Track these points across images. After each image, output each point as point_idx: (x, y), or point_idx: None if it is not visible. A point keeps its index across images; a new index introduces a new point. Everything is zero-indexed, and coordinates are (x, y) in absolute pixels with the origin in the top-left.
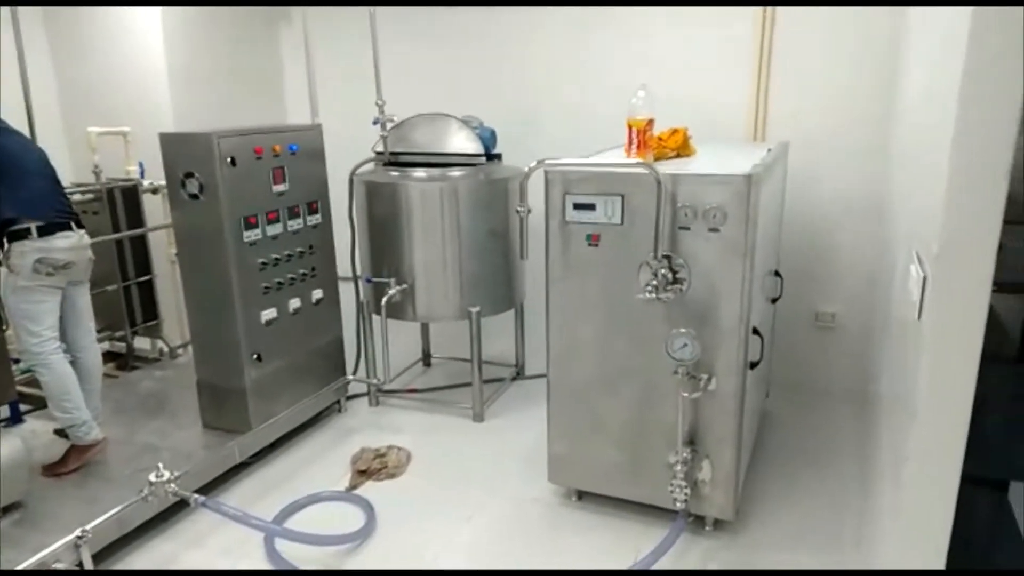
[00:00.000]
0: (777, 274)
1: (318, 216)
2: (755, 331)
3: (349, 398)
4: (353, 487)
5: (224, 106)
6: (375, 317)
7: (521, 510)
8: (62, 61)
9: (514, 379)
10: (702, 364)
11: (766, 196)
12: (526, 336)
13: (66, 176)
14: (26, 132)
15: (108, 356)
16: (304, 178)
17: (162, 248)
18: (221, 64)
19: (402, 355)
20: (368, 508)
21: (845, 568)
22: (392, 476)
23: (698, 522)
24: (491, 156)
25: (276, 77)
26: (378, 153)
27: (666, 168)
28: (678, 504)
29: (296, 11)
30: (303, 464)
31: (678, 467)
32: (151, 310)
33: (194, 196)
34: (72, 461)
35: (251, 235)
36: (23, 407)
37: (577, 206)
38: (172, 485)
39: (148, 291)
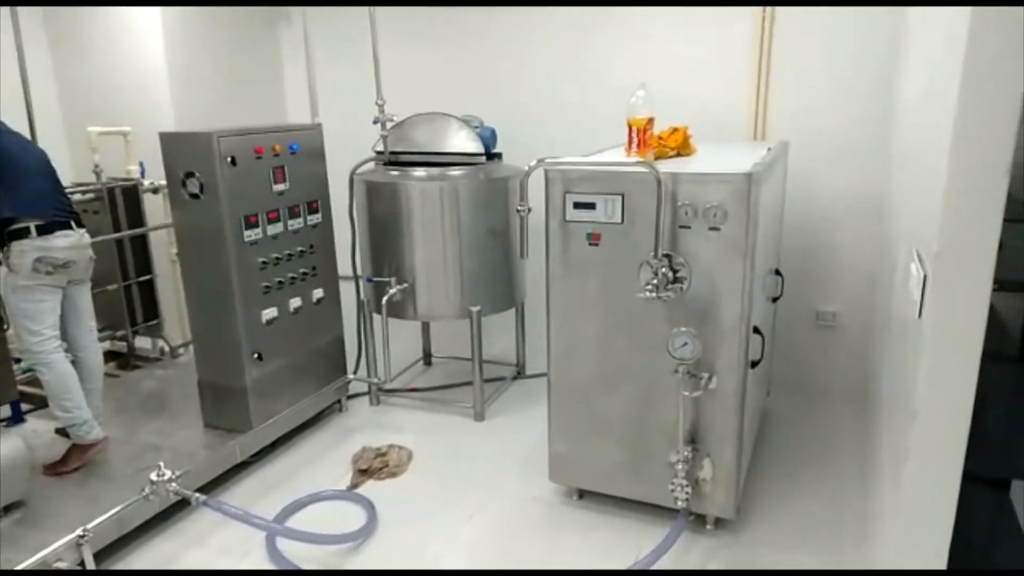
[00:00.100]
0: (778, 273)
1: (318, 215)
2: (756, 330)
3: (350, 397)
4: (354, 486)
5: (224, 106)
6: (376, 316)
7: (522, 509)
8: (62, 61)
9: (515, 378)
10: (703, 363)
11: (766, 195)
12: (527, 335)
13: (67, 176)
14: (27, 132)
15: (109, 355)
16: (304, 177)
17: (163, 247)
18: (221, 64)
19: (403, 354)
20: (369, 507)
21: (845, 568)
22: (393, 475)
23: (699, 521)
24: (491, 155)
25: (276, 77)
26: (378, 152)
27: (666, 167)
28: (679, 503)
29: (296, 11)
30: (304, 463)
31: (679, 466)
32: (152, 309)
33: (194, 195)
34: (73, 460)
35: (252, 234)
36: (24, 406)
37: (577, 205)
38: (173, 484)
39: (149, 290)
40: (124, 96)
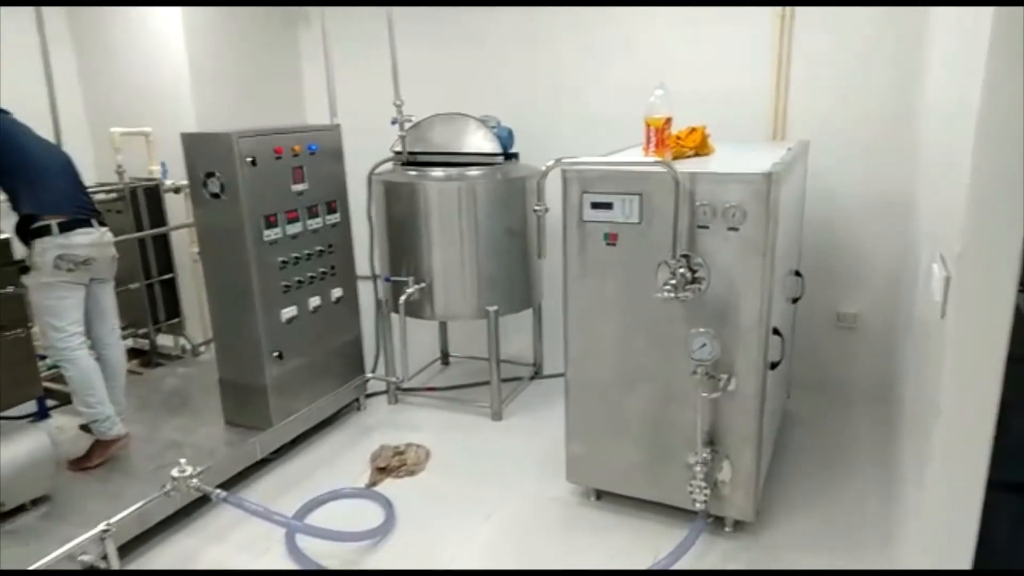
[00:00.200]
0: (798, 274)
1: (337, 215)
2: (775, 331)
3: (368, 396)
4: (372, 484)
5: (244, 106)
6: (394, 316)
7: (539, 509)
8: (87, 62)
9: (532, 378)
10: (721, 364)
11: (786, 195)
12: (544, 335)
13: (90, 176)
14: (52, 133)
15: (132, 353)
16: (323, 178)
17: (184, 247)
18: (241, 65)
19: (420, 354)
20: (387, 505)
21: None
22: (411, 474)
23: (718, 523)
24: (509, 155)
25: (295, 77)
26: (396, 153)
27: (684, 167)
28: (697, 505)
29: (315, 11)
30: (323, 461)
31: (697, 468)
32: (174, 308)
33: (215, 195)
34: (96, 456)
35: (271, 234)
36: (49, 402)
37: (595, 205)
38: (194, 480)
39: (171, 289)
40: (146, 97)
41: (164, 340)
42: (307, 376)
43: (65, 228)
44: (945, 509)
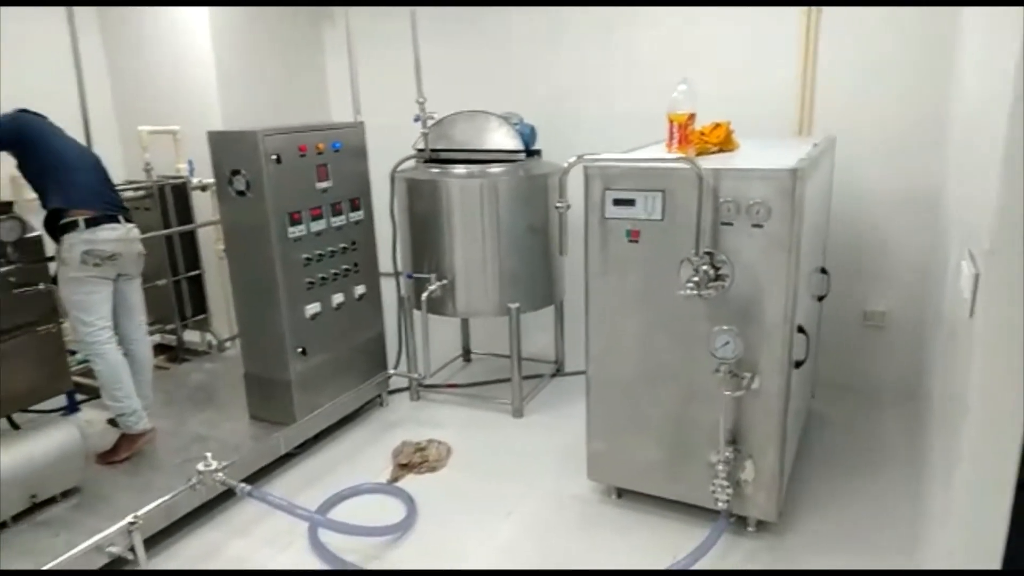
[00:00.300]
0: (824, 271)
1: (360, 212)
2: (800, 329)
3: (391, 392)
4: (394, 480)
5: (270, 104)
6: (416, 312)
7: (560, 506)
8: (116, 62)
9: (553, 375)
10: (745, 362)
11: (812, 191)
12: (566, 332)
13: (119, 174)
14: (82, 130)
15: (159, 349)
16: (347, 175)
17: (211, 244)
18: (267, 63)
19: (442, 350)
20: (409, 501)
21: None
22: (432, 470)
23: (740, 523)
24: (531, 152)
25: (320, 75)
26: (419, 150)
27: (708, 163)
28: (720, 504)
29: (339, 10)
30: (345, 456)
31: (720, 467)
32: (200, 304)
33: (241, 193)
34: (123, 450)
35: (295, 231)
36: (79, 396)
37: (617, 202)
38: (220, 474)
39: (197, 285)
40: (174, 96)
41: (191, 336)
42: (330, 372)
43: (92, 224)
44: (974, 510)
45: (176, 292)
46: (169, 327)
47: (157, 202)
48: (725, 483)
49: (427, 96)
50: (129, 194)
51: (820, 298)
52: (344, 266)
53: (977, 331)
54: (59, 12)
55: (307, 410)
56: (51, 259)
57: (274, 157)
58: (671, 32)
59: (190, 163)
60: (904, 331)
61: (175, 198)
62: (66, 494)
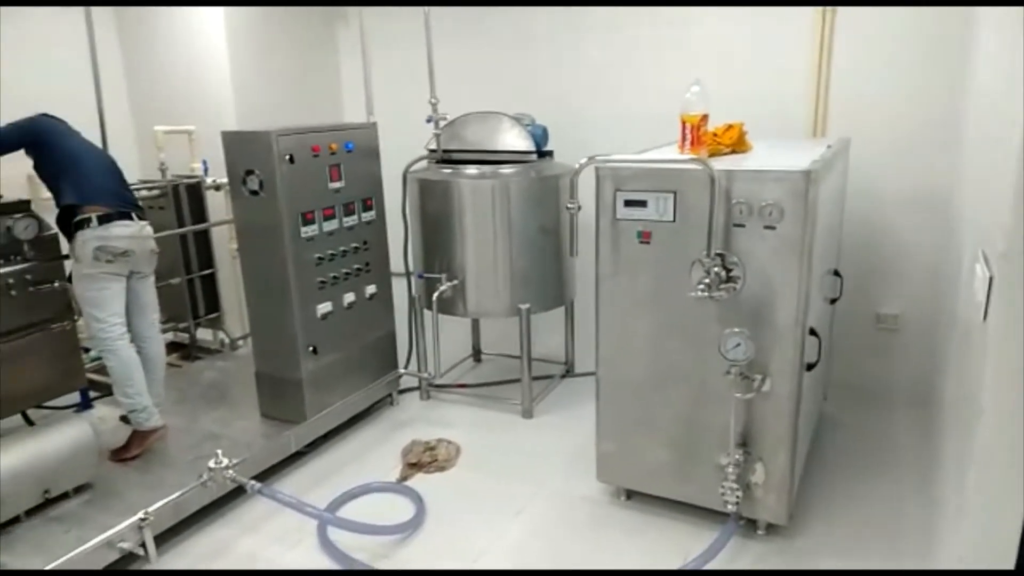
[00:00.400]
0: (837, 274)
1: (372, 213)
2: (812, 332)
3: (401, 392)
4: (403, 479)
5: (283, 105)
6: (427, 312)
7: (569, 507)
8: (132, 63)
9: (564, 376)
10: (756, 365)
11: (825, 193)
12: (576, 333)
13: (135, 173)
14: (98, 130)
15: (172, 347)
16: (359, 175)
17: (224, 243)
18: (281, 64)
19: (453, 350)
20: (418, 500)
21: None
22: (442, 469)
23: (750, 526)
24: (543, 153)
25: (333, 76)
26: (431, 151)
27: (720, 164)
28: (729, 507)
29: (353, 11)
30: (355, 455)
31: (730, 469)
32: (213, 302)
33: (254, 192)
34: (134, 447)
35: (308, 231)
36: (92, 393)
37: (628, 203)
38: (230, 472)
39: (211, 284)
40: (189, 96)
41: (204, 334)
42: (341, 371)
43: (105, 220)
44: (987, 512)
45: (189, 290)
46: (182, 325)
47: (171, 201)
48: (735, 485)
49: (439, 97)
50: (144, 193)
51: (833, 301)
52: (356, 266)
53: (991, 334)
54: (77, 13)
55: (318, 409)
56: (66, 257)
57: (287, 157)
58: (684, 33)
59: (204, 163)
60: (917, 334)
61: (189, 197)
62: (78, 490)
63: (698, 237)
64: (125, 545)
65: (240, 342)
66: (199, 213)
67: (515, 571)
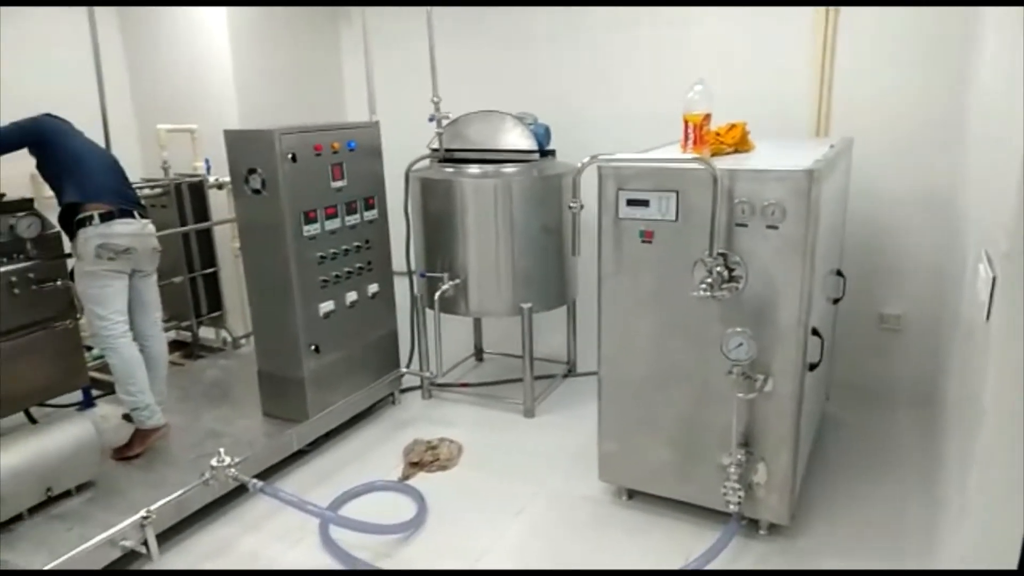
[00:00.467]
0: (839, 274)
1: (374, 211)
2: (815, 332)
3: (403, 391)
4: (405, 478)
5: (286, 103)
6: (429, 312)
7: (570, 507)
8: (135, 62)
9: (566, 376)
10: (758, 364)
11: (828, 192)
12: (578, 333)
13: (137, 172)
14: (101, 129)
15: (175, 345)
16: (361, 174)
17: (227, 241)
18: (284, 62)
19: (455, 350)
20: (420, 499)
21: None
22: (443, 468)
23: (752, 526)
24: (545, 152)
25: (336, 75)
26: (433, 150)
27: (723, 163)
28: (731, 507)
29: (355, 11)
30: (357, 454)
31: (732, 469)
32: (216, 301)
33: (257, 191)
34: (136, 445)
35: (310, 229)
36: (95, 392)
37: (630, 202)
38: (232, 470)
39: (213, 283)
40: (192, 95)
41: (206, 332)
42: (343, 370)
43: (106, 218)
44: (989, 513)
45: (192, 289)
46: (185, 324)
47: (174, 200)
48: (737, 485)
49: (442, 96)
50: (147, 192)
51: (836, 301)
52: (358, 264)
53: (994, 334)
54: (80, 13)
55: (320, 407)
56: (69, 255)
57: (290, 156)
58: (686, 33)
59: (207, 161)
60: (920, 334)
61: (192, 196)
62: (81, 488)
63: (700, 237)
64: (127, 543)
65: (242, 341)
66: (202, 212)
67: (517, 571)
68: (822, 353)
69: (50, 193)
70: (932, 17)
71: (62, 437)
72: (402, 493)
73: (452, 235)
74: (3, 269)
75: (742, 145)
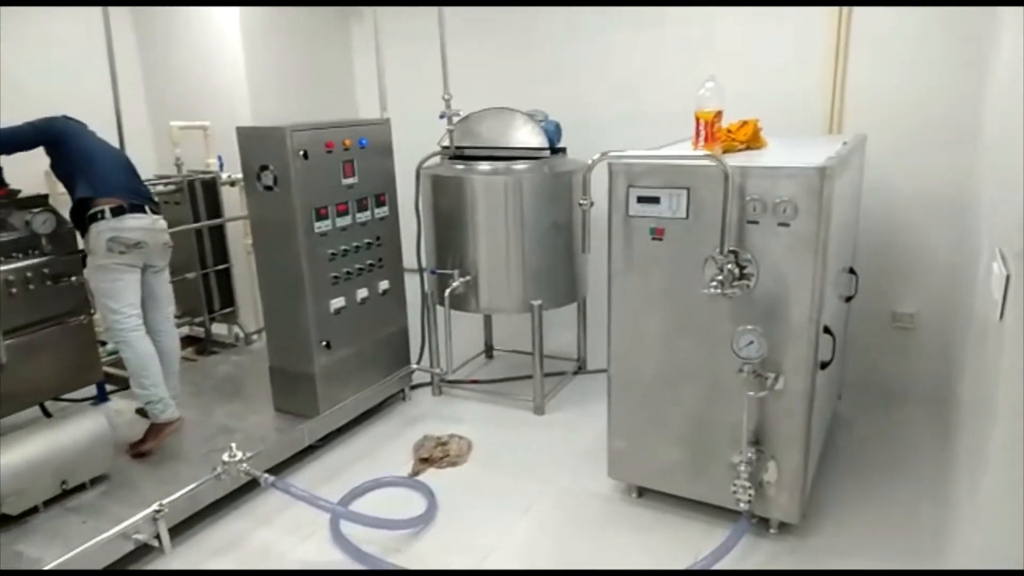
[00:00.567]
0: (852, 272)
1: (385, 208)
2: (826, 330)
3: (413, 387)
4: (415, 473)
5: (298, 101)
6: (439, 308)
7: (579, 504)
8: (149, 60)
9: (576, 373)
10: (769, 363)
11: (840, 190)
12: (588, 330)
13: (150, 169)
14: (115, 126)
15: (187, 341)
16: (373, 171)
17: (239, 238)
18: (296, 60)
19: (465, 346)
20: (429, 495)
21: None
22: (453, 464)
23: (762, 524)
24: (556, 150)
25: (347, 72)
26: (444, 147)
27: (734, 160)
28: (741, 505)
29: (367, 9)
30: (368, 450)
31: (742, 467)
32: (228, 297)
33: (269, 188)
34: (150, 439)
35: (322, 226)
36: (109, 387)
37: (641, 199)
38: (244, 465)
39: (226, 279)
40: (205, 92)
41: (219, 328)
42: (354, 366)
43: (117, 213)
44: (1002, 512)
45: (205, 285)
46: (197, 320)
47: (187, 196)
48: (747, 484)
49: (453, 93)
50: (160, 188)
51: (848, 299)
52: (369, 261)
53: (1008, 333)
54: (95, 13)
55: (331, 403)
56: (83, 252)
57: (301, 153)
58: (699, 30)
59: (220, 158)
60: (934, 333)
61: (205, 193)
62: (95, 481)
63: (711, 234)
64: (140, 536)
65: (254, 337)
66: (214, 208)
67: (523, 571)
68: (834, 351)
69: (64, 190)
70: (947, 15)
71: (76, 431)
72: (412, 489)
73: (462, 232)
74: (19, 264)
75: (754, 142)
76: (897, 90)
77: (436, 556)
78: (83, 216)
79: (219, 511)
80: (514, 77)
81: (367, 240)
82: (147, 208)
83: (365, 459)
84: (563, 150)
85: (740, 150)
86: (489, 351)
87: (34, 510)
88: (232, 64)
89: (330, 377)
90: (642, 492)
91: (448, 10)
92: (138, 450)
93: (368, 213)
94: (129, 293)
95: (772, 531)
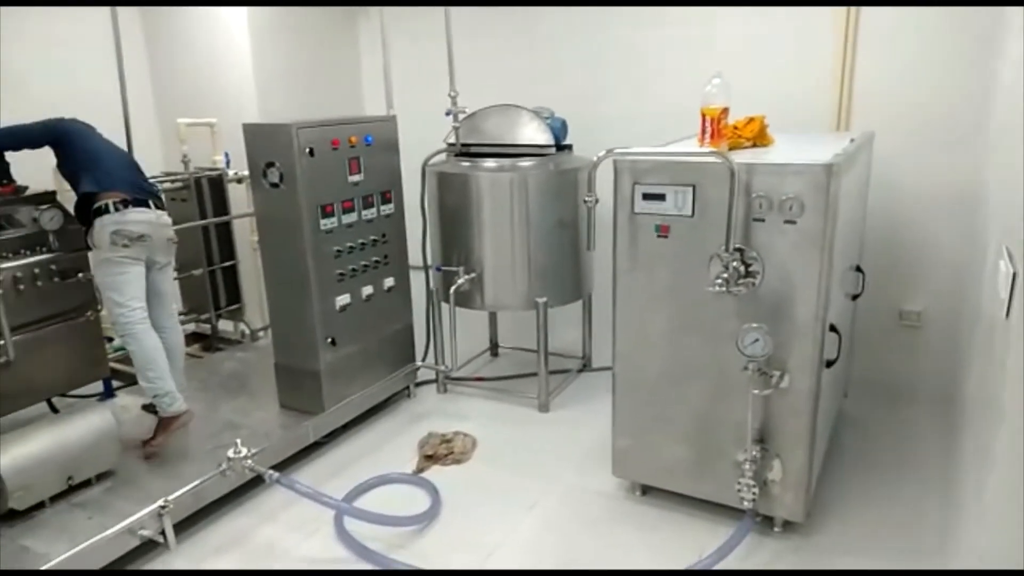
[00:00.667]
0: (859, 270)
1: (391, 206)
2: (832, 328)
3: (418, 384)
4: (420, 470)
5: (304, 98)
6: (444, 306)
7: (583, 502)
8: (156, 57)
9: (580, 371)
10: (775, 361)
11: (847, 187)
12: (593, 328)
13: (157, 166)
14: (122, 124)
15: (193, 337)
16: (378, 168)
17: (245, 235)
18: (303, 57)
19: (470, 344)
20: (433, 491)
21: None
22: (458, 462)
23: (766, 523)
24: (562, 147)
25: (354, 70)
26: (450, 144)
27: (741, 157)
28: (745, 503)
29: (374, 8)
30: (372, 446)
31: (747, 465)
32: (234, 294)
33: (275, 185)
34: (159, 434)
35: (327, 223)
36: (115, 383)
37: (646, 196)
38: (249, 461)
39: (232, 276)
40: (212, 89)
41: (225, 325)
42: (359, 363)
43: (121, 207)
44: (1007, 512)
45: (211, 282)
46: (203, 316)
47: (194, 193)
48: (752, 482)
49: (459, 90)
50: (167, 185)
51: (855, 297)
52: (374, 258)
53: (1014, 331)
54: (104, 12)
55: (336, 400)
56: (89, 249)
57: (307, 150)
58: (705, 29)
59: (226, 155)
60: (940, 331)
61: (211, 190)
62: (101, 477)
63: (717, 231)
64: (145, 532)
65: (260, 333)
66: (221, 205)
67: (527, 571)
68: (840, 350)
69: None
70: (954, 14)
71: (83, 427)
72: (416, 486)
73: (468, 229)
74: (26, 261)
75: (760, 139)
76: (904, 88)
77: (441, 553)
78: (88, 211)
79: (224, 507)
80: (520, 74)
81: (372, 237)
82: (151, 203)
83: (370, 456)
84: (569, 147)
85: (746, 147)
86: (494, 348)
87: (40, 505)
88: (239, 63)
89: (335, 374)
90: (646, 490)
91: (454, 9)
92: (151, 446)
93: (374, 210)
94: (134, 286)
95: (776, 530)
